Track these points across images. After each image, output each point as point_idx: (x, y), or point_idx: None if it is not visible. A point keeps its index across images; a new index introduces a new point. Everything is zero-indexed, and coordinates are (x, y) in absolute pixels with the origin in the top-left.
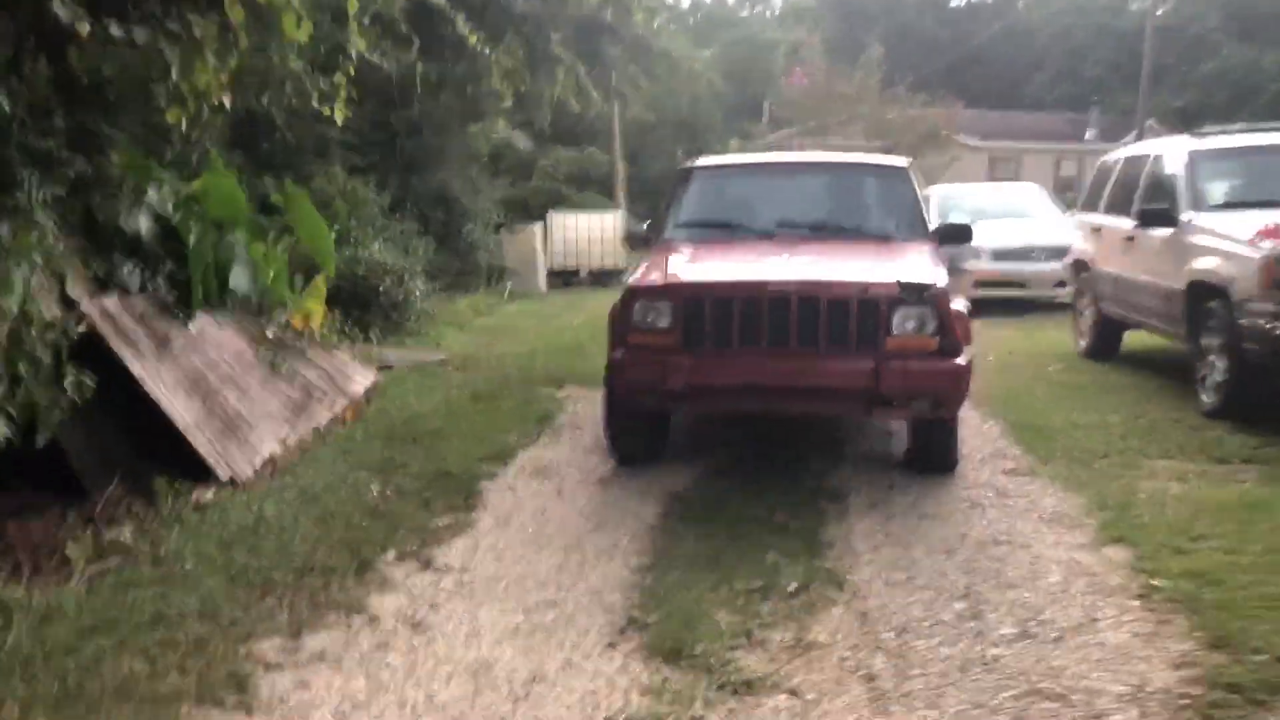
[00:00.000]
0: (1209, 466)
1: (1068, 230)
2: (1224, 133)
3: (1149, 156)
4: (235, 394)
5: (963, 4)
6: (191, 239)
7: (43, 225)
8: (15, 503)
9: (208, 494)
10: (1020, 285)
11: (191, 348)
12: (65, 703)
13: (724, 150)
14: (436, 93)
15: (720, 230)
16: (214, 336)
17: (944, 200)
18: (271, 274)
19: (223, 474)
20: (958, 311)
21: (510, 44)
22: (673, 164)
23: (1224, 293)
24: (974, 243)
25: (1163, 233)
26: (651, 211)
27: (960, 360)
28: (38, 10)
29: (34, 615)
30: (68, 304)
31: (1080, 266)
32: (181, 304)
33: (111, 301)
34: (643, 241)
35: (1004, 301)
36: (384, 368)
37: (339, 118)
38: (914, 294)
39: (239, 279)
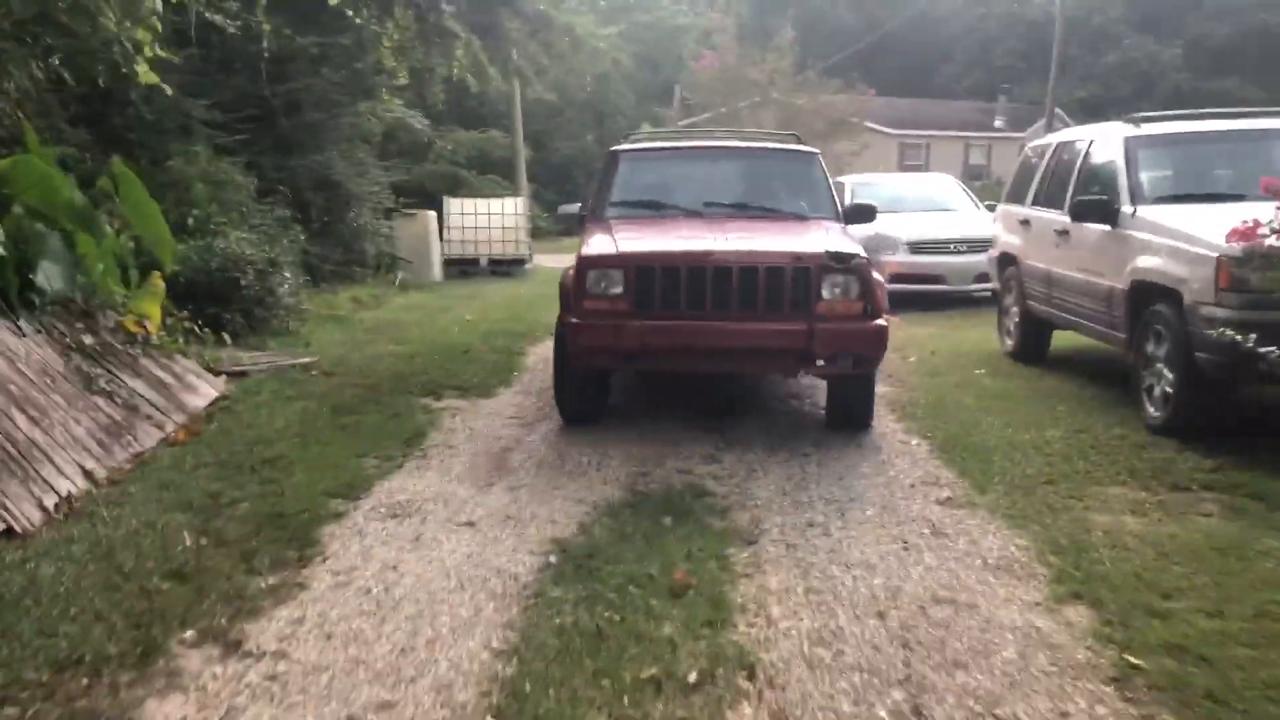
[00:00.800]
0: (1166, 494)
1: (986, 223)
2: (1161, 119)
3: (1081, 144)
4: (27, 418)
5: None
6: None
7: None
8: None
9: None
10: (938, 280)
11: None
12: None
13: (634, 135)
14: (317, 67)
15: (652, 209)
16: (8, 347)
17: (857, 190)
18: (100, 269)
19: None
20: (877, 279)
21: (399, 16)
22: (581, 147)
23: (1173, 295)
24: (890, 234)
25: (1100, 228)
26: (561, 196)
27: (880, 322)
28: None
29: None
30: None
31: (1006, 262)
32: None
33: None
34: (577, 220)
35: (921, 297)
36: (237, 375)
37: (143, 80)
38: (841, 262)
39: (51, 277)
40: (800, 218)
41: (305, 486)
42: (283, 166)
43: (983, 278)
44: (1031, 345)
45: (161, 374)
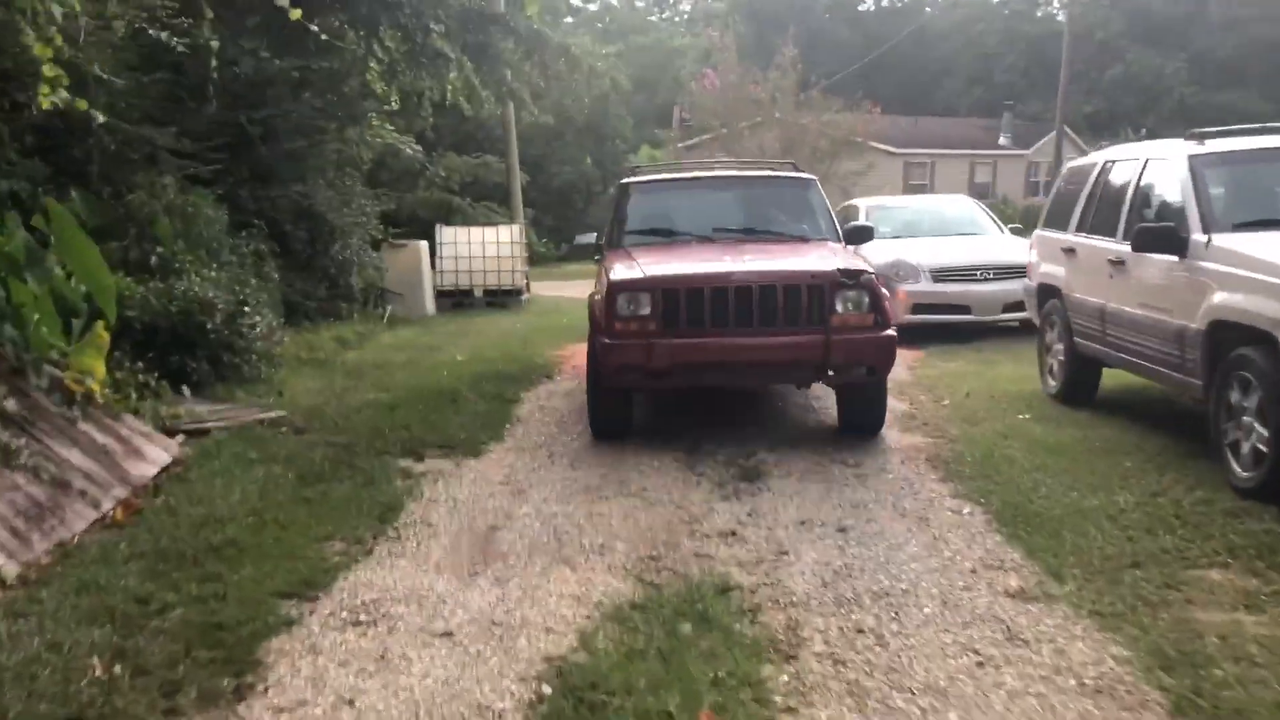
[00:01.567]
0: None
1: (1012, 247)
2: (1223, 135)
3: (1132, 164)
4: None
5: (872, 8)
6: None
7: None
8: None
9: None
10: (964, 310)
11: None
12: None
13: (634, 159)
14: (297, 91)
15: (665, 235)
16: None
17: (871, 214)
18: (36, 319)
19: None
20: (885, 293)
21: (384, 36)
22: (580, 171)
23: (1265, 338)
24: (910, 261)
25: (1166, 259)
26: (561, 222)
27: (890, 332)
28: None
29: None
30: None
31: (1047, 294)
32: None
33: None
34: (595, 249)
35: (945, 329)
36: (197, 433)
37: (44, 104)
38: (852, 278)
39: None
40: (804, 239)
41: (254, 584)
42: (261, 197)
43: (1011, 307)
44: (1079, 386)
45: (104, 439)
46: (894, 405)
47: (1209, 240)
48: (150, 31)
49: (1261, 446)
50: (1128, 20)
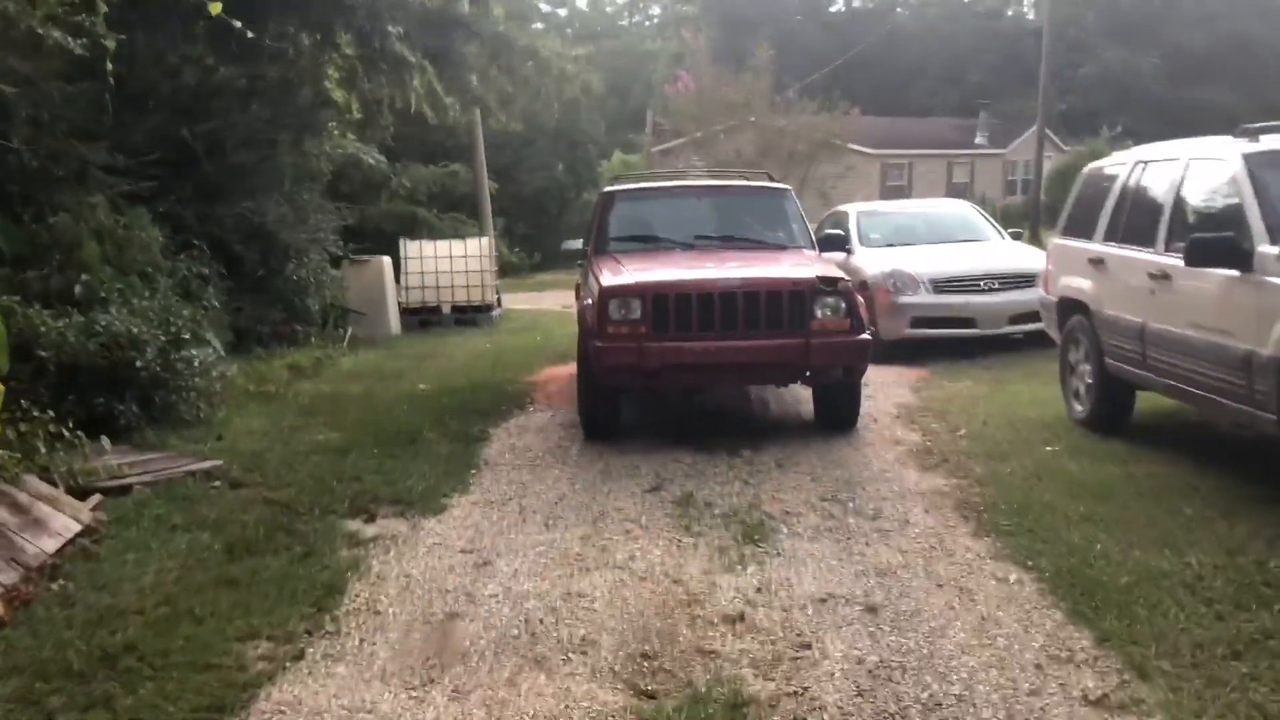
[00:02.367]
0: None
1: (1017, 254)
2: (1276, 130)
3: (1172, 165)
4: None
5: (843, 10)
6: None
7: None
8: None
9: None
10: (967, 323)
11: None
12: None
13: (609, 165)
14: (246, 101)
15: (648, 242)
16: None
17: (863, 220)
18: None
19: None
20: (859, 300)
21: (340, 41)
22: (553, 177)
23: None
24: (908, 271)
25: (1224, 273)
26: (533, 231)
27: (865, 336)
28: None
29: None
30: None
31: (1069, 309)
32: None
33: None
34: (580, 255)
35: (946, 343)
36: (118, 491)
37: None
38: (830, 285)
39: None
40: (781, 247)
41: (151, 710)
42: (207, 216)
43: (1018, 319)
44: (1111, 412)
45: None
46: (906, 436)
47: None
48: (39, 30)
49: None
50: (1100, 17)
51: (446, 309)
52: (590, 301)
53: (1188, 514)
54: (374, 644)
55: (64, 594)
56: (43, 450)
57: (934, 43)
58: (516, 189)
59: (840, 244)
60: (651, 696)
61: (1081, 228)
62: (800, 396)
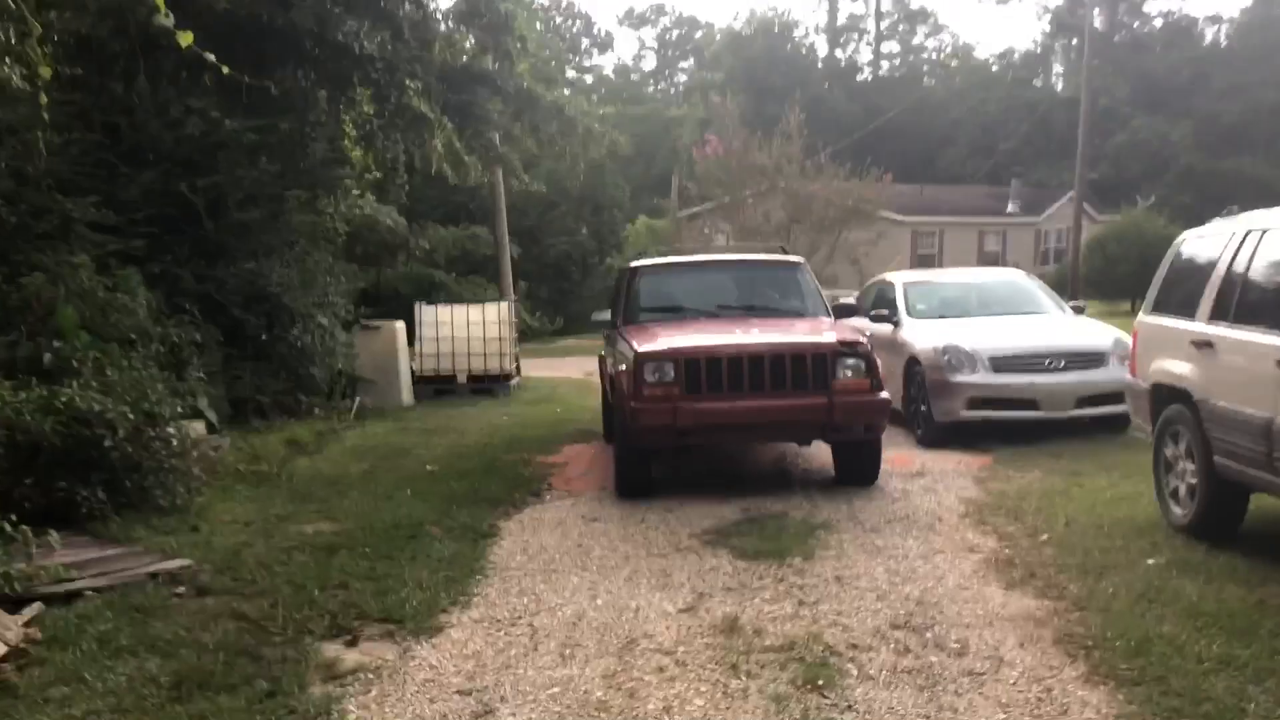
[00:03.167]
0: None
1: (1083, 330)
2: None
3: None
4: None
5: (870, 79)
6: None
7: None
8: None
9: None
10: (1030, 405)
11: None
12: None
13: (633, 229)
14: (253, 156)
15: (675, 312)
16: None
17: (910, 291)
18: None
19: None
20: (877, 361)
21: (356, 96)
22: (577, 242)
23: None
24: (964, 347)
25: None
26: (555, 296)
27: (884, 395)
28: None
29: None
30: None
31: (1167, 397)
32: None
33: None
34: (609, 326)
35: (1006, 426)
36: (62, 599)
37: None
38: (851, 348)
39: None
40: (800, 314)
41: None
42: (205, 277)
43: (1085, 401)
44: (1220, 518)
45: None
46: (979, 541)
47: None
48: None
49: None
50: (1131, 87)
51: (462, 378)
52: (625, 367)
53: None
54: None
55: None
56: None
57: (963, 111)
58: (540, 252)
59: (852, 312)
60: None
61: (1178, 305)
62: (860, 492)
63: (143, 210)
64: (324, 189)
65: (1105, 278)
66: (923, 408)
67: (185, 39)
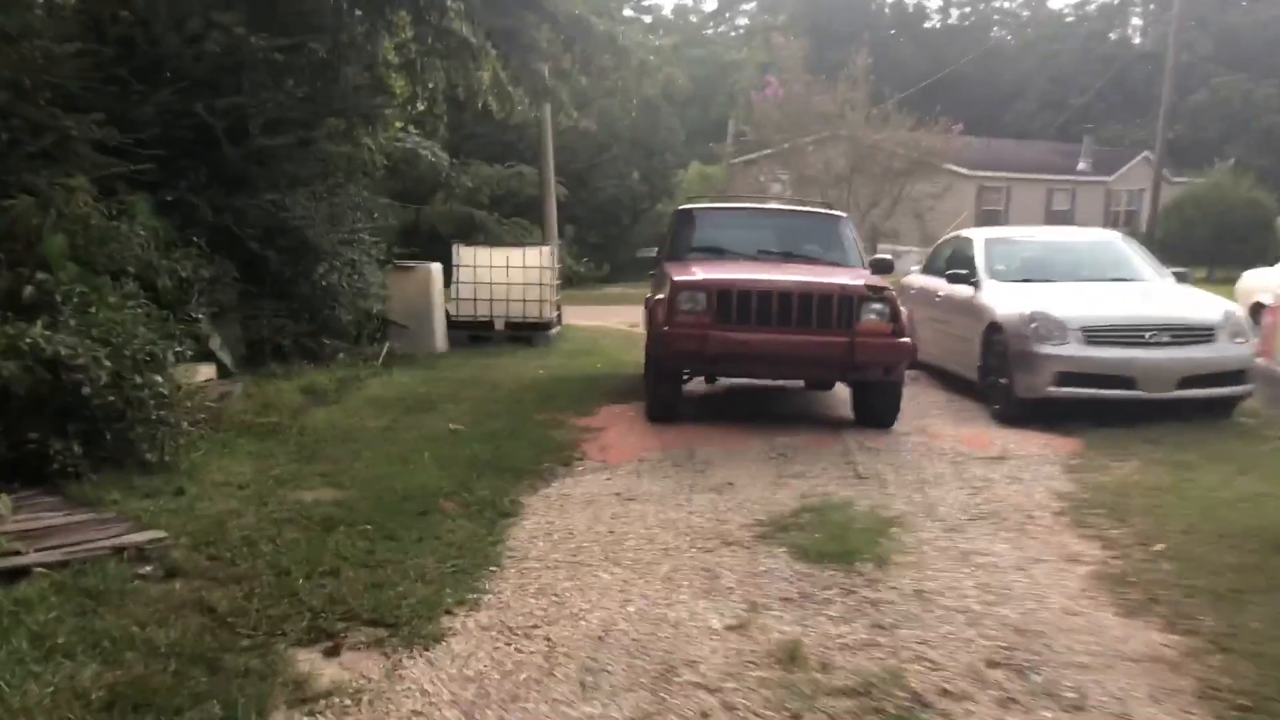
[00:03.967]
0: None
1: (1189, 300)
2: None
3: None
4: None
5: (938, 26)
6: None
7: None
8: None
9: None
10: (1127, 383)
11: None
12: None
13: (686, 176)
14: (280, 77)
15: (718, 253)
16: None
17: (992, 249)
18: None
19: None
20: (902, 309)
21: (393, 16)
22: (627, 186)
23: None
24: (1052, 315)
25: None
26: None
27: (906, 339)
28: None
29: None
30: None
31: None
32: None
33: None
34: (655, 263)
35: (1095, 404)
36: (7, 576)
37: None
38: (876, 293)
39: None
40: (835, 264)
41: None
42: (223, 207)
43: (1189, 381)
44: None
45: None
46: (1081, 549)
47: None
48: None
49: None
50: (1215, 43)
51: (500, 325)
52: (662, 296)
53: None
54: None
55: None
56: None
57: (1033, 63)
58: (588, 196)
59: (888, 268)
60: None
61: None
62: (935, 480)
63: (155, 131)
64: (362, 119)
65: (1181, 243)
66: (1002, 380)
67: None
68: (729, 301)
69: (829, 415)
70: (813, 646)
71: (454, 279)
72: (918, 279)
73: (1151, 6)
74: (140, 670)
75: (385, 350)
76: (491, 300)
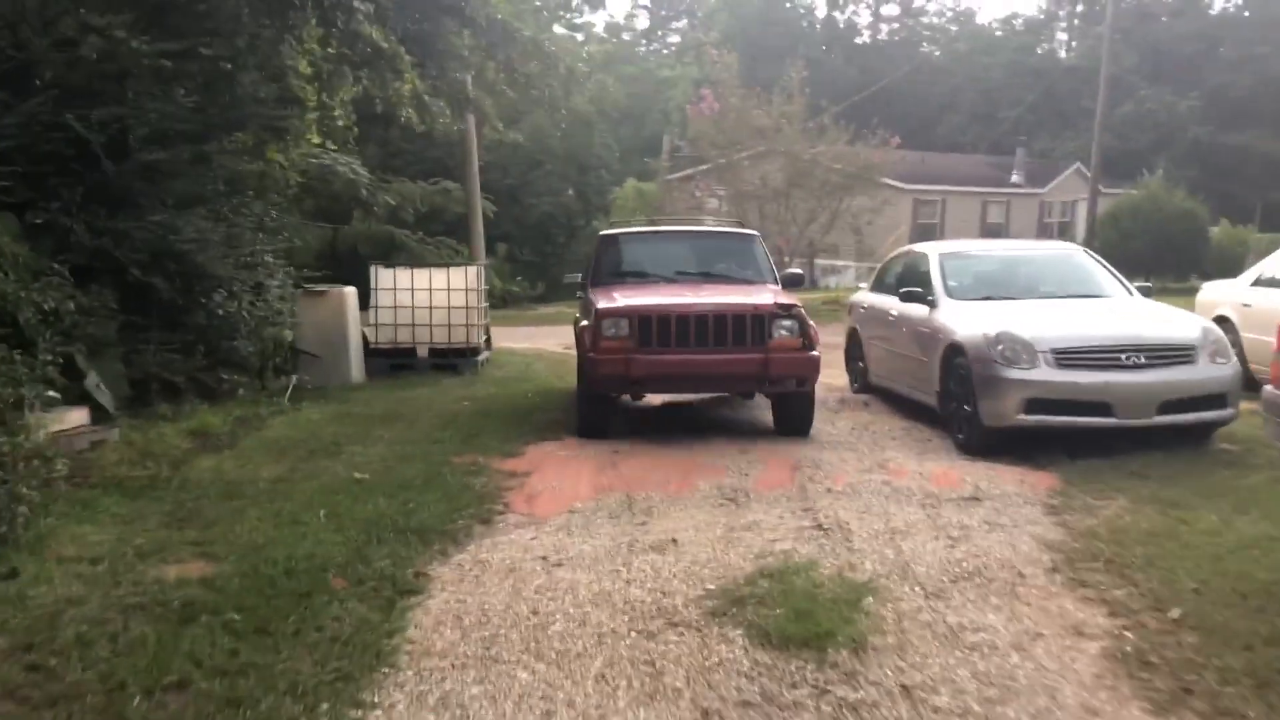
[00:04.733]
0: None
1: (1164, 319)
2: None
3: None
4: None
5: (868, 42)
6: None
7: None
8: None
9: None
10: (1101, 409)
11: None
12: None
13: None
14: (167, 85)
15: (640, 275)
16: None
17: (948, 265)
18: None
19: None
20: (810, 323)
21: (298, 23)
22: (561, 203)
23: None
24: (1020, 336)
25: None
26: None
27: (814, 353)
28: None
29: None
30: None
31: None
32: None
33: None
34: (581, 288)
35: (1069, 433)
36: None
37: None
38: (786, 311)
39: None
40: (749, 282)
41: None
42: (103, 230)
43: (1170, 407)
44: None
45: None
46: (1084, 616)
47: None
48: None
49: None
50: (1139, 56)
51: (423, 351)
52: (588, 323)
53: None
54: None
55: None
56: None
57: (964, 78)
58: (521, 213)
59: (800, 282)
60: None
61: None
62: (907, 529)
63: (19, 143)
64: (269, 132)
65: (1119, 254)
66: (965, 408)
67: None
68: (649, 326)
69: (759, 425)
70: None
71: (372, 303)
72: (867, 297)
73: (1076, 22)
74: None
75: (292, 384)
76: (414, 325)
